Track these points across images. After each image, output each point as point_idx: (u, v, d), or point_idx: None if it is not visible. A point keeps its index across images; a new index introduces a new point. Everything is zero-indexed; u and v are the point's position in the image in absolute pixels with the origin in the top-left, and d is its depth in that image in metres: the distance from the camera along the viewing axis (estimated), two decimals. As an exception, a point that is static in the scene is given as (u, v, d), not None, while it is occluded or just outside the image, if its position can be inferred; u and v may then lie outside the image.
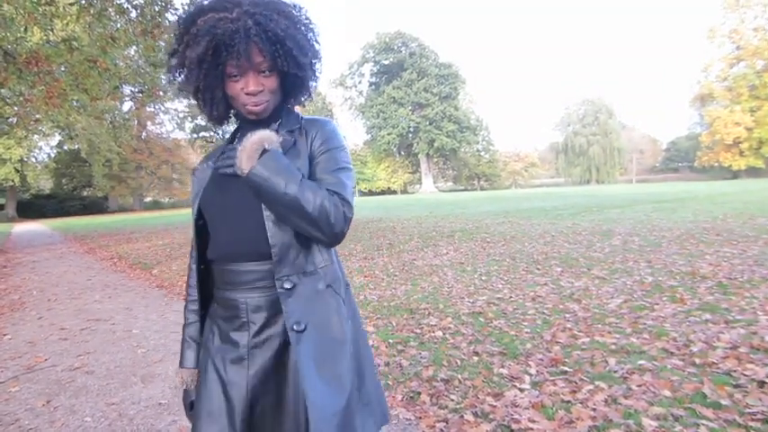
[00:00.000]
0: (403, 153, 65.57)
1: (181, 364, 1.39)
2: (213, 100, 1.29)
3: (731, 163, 48.18)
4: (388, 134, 59.67)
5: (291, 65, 1.22)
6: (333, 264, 1.34)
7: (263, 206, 1.21)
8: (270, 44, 1.18)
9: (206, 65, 1.20)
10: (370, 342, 3.88)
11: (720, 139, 47.33)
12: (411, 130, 61.05)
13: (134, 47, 11.49)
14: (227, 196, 1.28)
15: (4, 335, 5.04)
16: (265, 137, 1.20)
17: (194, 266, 1.38)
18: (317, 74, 1.33)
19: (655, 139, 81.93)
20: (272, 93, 1.26)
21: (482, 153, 65.42)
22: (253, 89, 1.22)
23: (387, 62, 61.72)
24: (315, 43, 1.30)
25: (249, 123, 1.33)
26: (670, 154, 75.14)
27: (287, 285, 1.22)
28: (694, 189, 25.39)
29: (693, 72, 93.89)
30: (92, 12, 9.23)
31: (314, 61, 1.30)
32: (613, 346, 3.40)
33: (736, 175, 48.40)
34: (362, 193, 62.97)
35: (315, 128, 1.32)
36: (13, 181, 36.07)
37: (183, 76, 1.27)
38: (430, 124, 58.59)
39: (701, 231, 8.62)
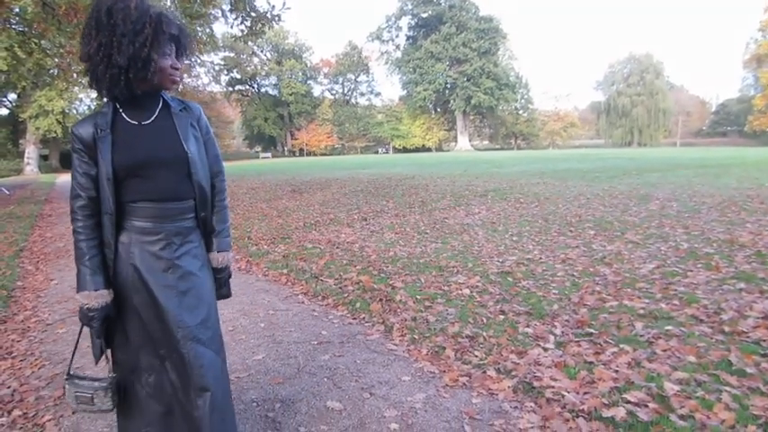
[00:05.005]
0: (439, 110, 64.62)
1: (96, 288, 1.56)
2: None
3: (785, 128, 45.99)
4: (425, 90, 58.68)
5: None
6: None
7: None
8: None
9: None
10: (398, 297, 3.97)
11: (775, 102, 45.06)
12: (448, 86, 59.88)
13: (170, -2, 11.44)
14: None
15: (51, 280, 5.33)
16: None
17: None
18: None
19: (703, 101, 78.46)
20: None
21: (520, 111, 63.94)
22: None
23: (425, 15, 60.16)
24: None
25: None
26: (719, 117, 71.88)
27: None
28: (742, 154, 24.33)
29: (750, 30, 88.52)
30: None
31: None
32: (641, 311, 3.38)
33: (789, 141, 46.25)
34: (396, 150, 62.54)
35: None
36: (55, 132, 36.87)
37: None
38: (467, 80, 57.27)
39: (744, 199, 8.32)
